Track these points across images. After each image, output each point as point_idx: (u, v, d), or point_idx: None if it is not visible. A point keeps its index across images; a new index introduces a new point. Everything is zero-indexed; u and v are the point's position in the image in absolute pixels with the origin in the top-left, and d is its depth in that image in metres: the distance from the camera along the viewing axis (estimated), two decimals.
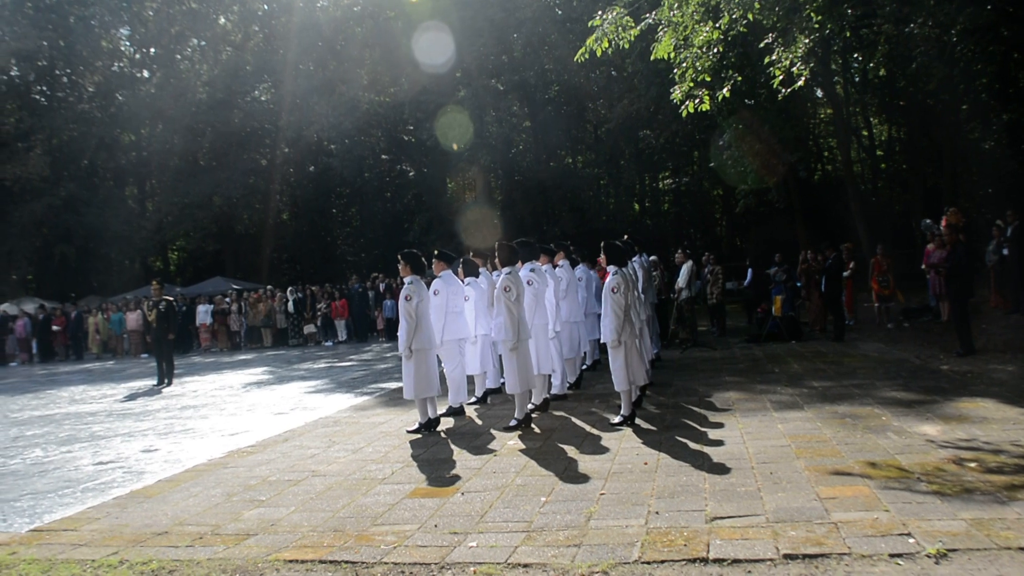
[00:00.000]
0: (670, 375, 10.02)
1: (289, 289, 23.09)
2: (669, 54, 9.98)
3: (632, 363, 6.90)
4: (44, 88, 32.54)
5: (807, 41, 11.07)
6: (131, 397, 12.41)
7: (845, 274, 13.69)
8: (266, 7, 34.81)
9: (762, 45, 11.72)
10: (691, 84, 10.15)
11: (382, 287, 21.76)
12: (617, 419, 6.93)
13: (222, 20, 34.76)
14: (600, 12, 9.66)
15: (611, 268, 7.08)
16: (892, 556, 3.51)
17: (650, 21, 10.00)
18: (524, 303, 7.24)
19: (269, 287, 24.58)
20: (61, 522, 5.11)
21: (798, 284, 14.72)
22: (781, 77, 10.76)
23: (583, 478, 5.21)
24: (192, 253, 34.73)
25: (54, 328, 23.80)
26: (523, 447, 6.31)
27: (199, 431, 8.46)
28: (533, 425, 7.13)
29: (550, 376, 8.21)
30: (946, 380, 8.17)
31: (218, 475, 6.12)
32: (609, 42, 9.34)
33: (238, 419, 9.12)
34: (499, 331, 7.18)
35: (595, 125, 31.68)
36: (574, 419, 7.40)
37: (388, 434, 7.35)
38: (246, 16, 34.47)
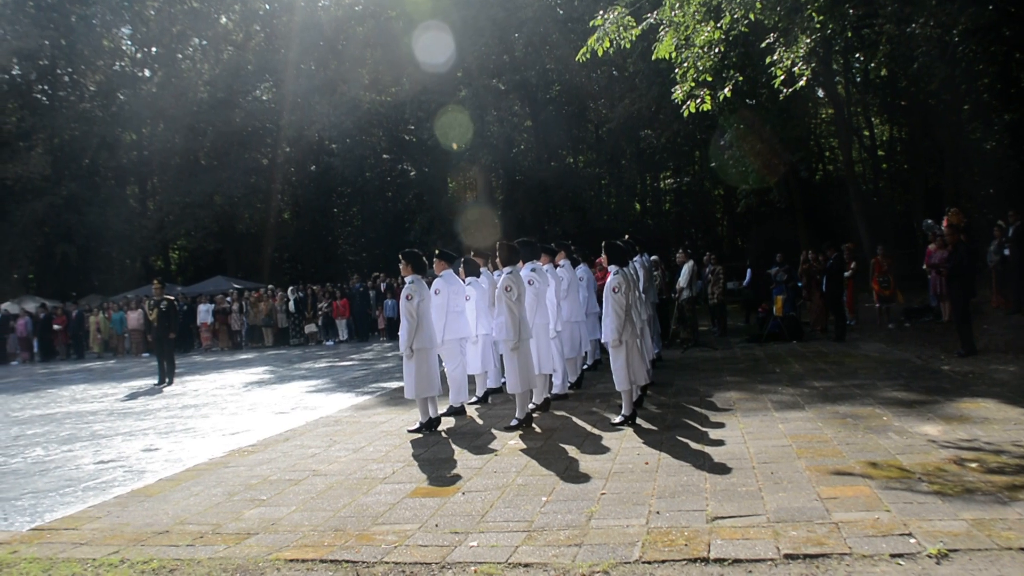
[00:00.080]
0: (671, 375, 10.02)
1: (290, 288, 23.11)
2: (670, 54, 9.97)
3: (633, 363, 6.90)
4: (45, 87, 32.57)
5: (808, 41, 11.07)
6: (132, 396, 12.41)
7: (846, 274, 13.68)
8: (267, 6, 34.85)
9: (763, 45, 11.72)
10: (692, 84, 10.15)
11: (383, 286, 21.77)
12: (618, 419, 6.93)
13: (223, 19, 34.79)
14: (601, 12, 9.65)
15: (612, 268, 7.08)
16: (893, 556, 3.50)
17: (651, 21, 10.00)
18: (525, 303, 7.24)
19: (270, 286, 24.59)
20: (62, 521, 5.11)
21: (799, 284, 14.71)
22: (782, 77, 10.76)
23: (584, 478, 5.20)
24: (193, 252, 34.76)
25: (55, 327, 23.82)
26: (524, 447, 6.31)
27: (200, 430, 8.47)
28: (534, 425, 7.13)
29: (551, 376, 8.21)
30: (947, 380, 8.16)
31: (219, 474, 6.12)
32: (610, 42, 9.34)
33: (239, 418, 9.12)
34: (500, 331, 7.18)
35: (596, 125, 31.67)
36: (575, 419, 7.40)
37: (389, 433, 7.35)
38: (247, 15, 34.51)
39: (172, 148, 31.65)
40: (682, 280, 13.07)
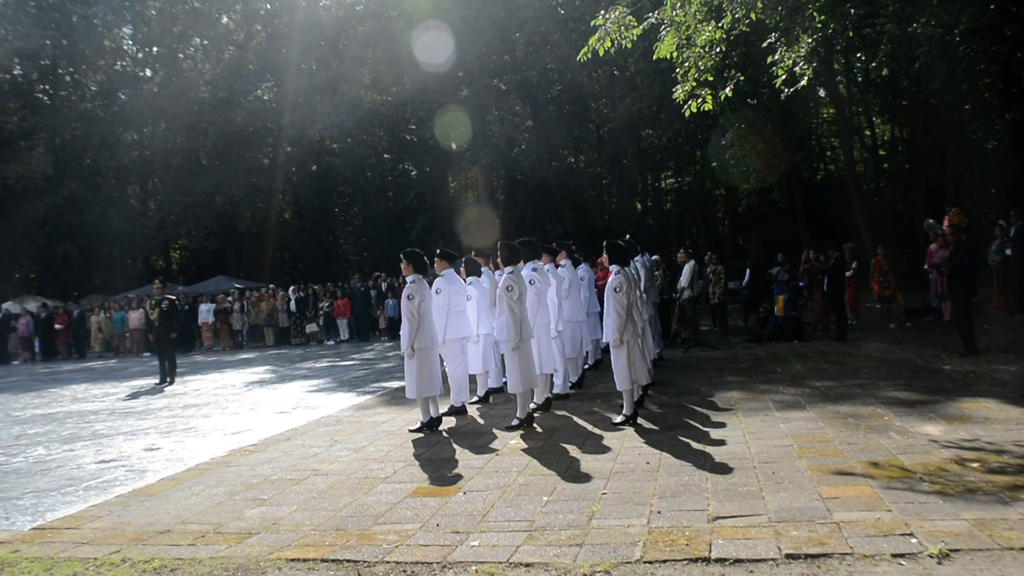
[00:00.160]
0: (672, 375, 10.02)
1: (291, 288, 23.12)
2: (672, 53, 9.96)
3: (634, 362, 6.90)
4: (47, 87, 32.61)
5: (810, 40, 11.07)
6: (133, 396, 12.42)
7: (848, 274, 13.67)
8: (268, 6, 34.89)
9: (765, 44, 11.71)
10: (694, 83, 10.14)
11: (384, 286, 21.78)
12: (619, 419, 6.93)
13: (225, 19, 34.81)
14: (602, 11, 9.64)
15: (613, 267, 7.07)
16: (894, 556, 3.50)
17: (652, 20, 9.99)
18: (526, 302, 7.24)
19: (271, 286, 24.61)
20: (63, 520, 5.12)
21: (800, 284, 14.71)
22: (784, 77, 10.75)
23: (585, 477, 5.20)
24: (194, 252, 34.80)
25: (56, 327, 23.84)
26: (525, 446, 6.31)
27: (201, 430, 8.47)
28: (535, 424, 7.13)
29: (552, 375, 8.21)
30: (949, 380, 8.16)
31: (220, 474, 6.13)
32: (612, 41, 9.33)
33: (240, 418, 9.12)
34: (501, 330, 7.18)
35: (597, 124, 31.67)
36: (576, 418, 7.39)
37: (390, 433, 7.35)
38: (249, 15, 34.53)
39: (173, 148, 31.69)
40: (683, 280, 13.08)
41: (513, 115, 29.82)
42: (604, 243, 7.38)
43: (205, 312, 23.07)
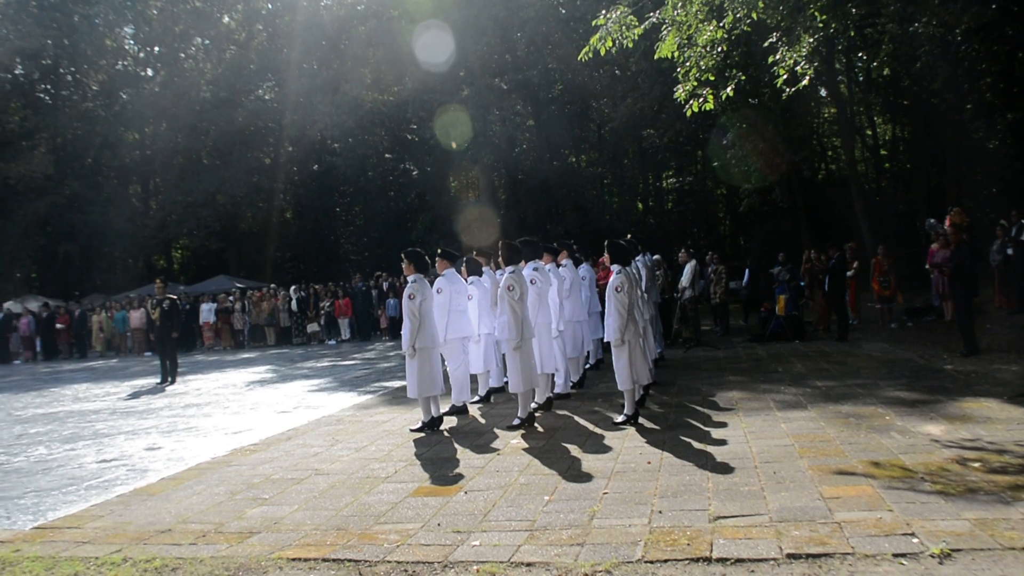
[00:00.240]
0: (673, 374, 10.01)
1: (292, 288, 23.12)
2: (673, 53, 9.96)
3: (636, 362, 6.90)
4: (48, 87, 32.62)
5: (811, 40, 11.07)
6: (134, 395, 12.43)
7: (849, 273, 13.66)
8: (270, 6, 34.89)
9: (766, 44, 11.71)
10: (695, 83, 10.14)
11: (385, 286, 21.79)
12: (620, 418, 6.92)
13: (226, 19, 34.81)
14: (604, 11, 9.64)
15: (615, 267, 7.07)
16: (896, 556, 3.50)
17: (654, 20, 9.98)
18: (528, 302, 7.24)
19: (272, 285, 24.61)
20: (65, 520, 5.12)
21: (801, 283, 14.70)
22: (785, 76, 10.75)
23: (586, 477, 5.20)
24: (196, 251, 34.82)
25: (58, 326, 23.87)
26: (526, 446, 6.31)
27: (202, 429, 8.48)
28: (536, 424, 7.13)
29: (553, 375, 8.21)
30: (950, 380, 8.15)
31: (221, 473, 6.13)
32: (613, 41, 9.33)
33: (241, 417, 9.13)
34: (503, 330, 7.18)
35: (599, 124, 31.65)
36: (577, 418, 7.39)
37: (391, 433, 7.35)
38: (250, 15, 34.53)
39: (174, 147, 31.70)
40: (684, 279, 13.08)
41: (514, 115, 29.80)
42: (605, 243, 7.39)
43: (206, 312, 23.10)
